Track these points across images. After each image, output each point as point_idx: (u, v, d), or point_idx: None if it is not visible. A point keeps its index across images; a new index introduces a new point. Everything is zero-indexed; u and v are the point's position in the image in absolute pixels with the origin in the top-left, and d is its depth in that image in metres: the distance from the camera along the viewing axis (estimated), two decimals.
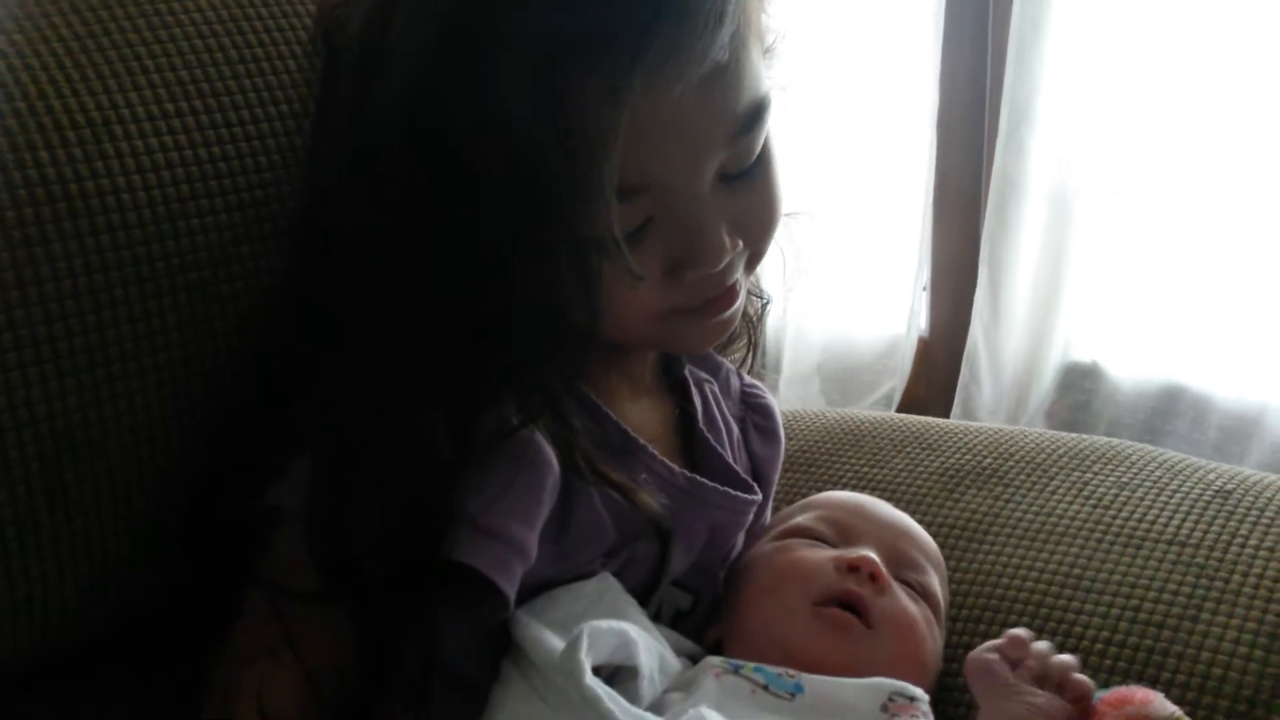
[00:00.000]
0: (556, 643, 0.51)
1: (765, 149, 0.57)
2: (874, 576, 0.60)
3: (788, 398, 1.82)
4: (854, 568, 0.60)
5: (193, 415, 0.59)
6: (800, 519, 0.66)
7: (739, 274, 0.58)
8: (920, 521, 0.71)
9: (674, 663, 0.57)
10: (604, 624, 0.52)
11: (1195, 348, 1.55)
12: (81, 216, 0.56)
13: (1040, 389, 1.63)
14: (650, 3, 0.48)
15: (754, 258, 0.60)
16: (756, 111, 0.54)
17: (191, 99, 0.61)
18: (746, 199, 0.56)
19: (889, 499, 0.72)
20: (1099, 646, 0.63)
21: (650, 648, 0.54)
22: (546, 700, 0.51)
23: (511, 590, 0.52)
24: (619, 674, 0.53)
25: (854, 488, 0.78)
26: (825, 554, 0.62)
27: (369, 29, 0.53)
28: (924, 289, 1.78)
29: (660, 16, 0.48)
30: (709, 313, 0.58)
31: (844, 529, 0.64)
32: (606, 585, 0.57)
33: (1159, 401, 1.57)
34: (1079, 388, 1.64)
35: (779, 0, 0.61)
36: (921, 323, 1.80)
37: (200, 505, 0.58)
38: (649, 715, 0.50)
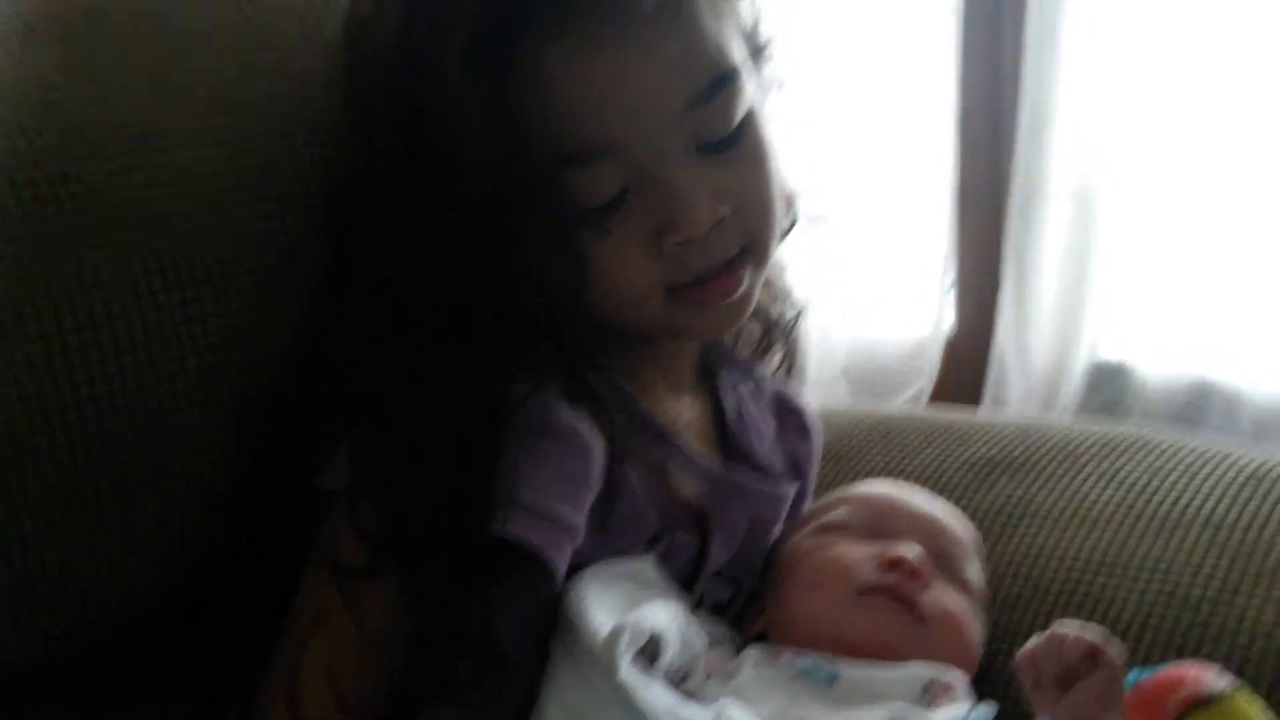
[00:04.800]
0: (602, 621, 0.52)
1: (750, 127, 0.59)
2: (915, 573, 0.60)
3: (814, 401, 1.81)
4: (893, 564, 0.60)
5: (239, 410, 0.61)
6: (837, 514, 0.66)
7: (734, 254, 0.59)
8: None
9: (700, 642, 0.57)
10: (645, 623, 0.52)
11: (1224, 343, 1.55)
12: (121, 227, 0.58)
13: (1069, 387, 1.63)
14: None
15: (755, 248, 0.60)
16: (720, 81, 0.56)
17: (226, 114, 0.62)
18: (730, 172, 0.58)
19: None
20: (1136, 626, 0.63)
21: (677, 633, 0.55)
22: (592, 684, 0.52)
23: (562, 566, 0.54)
24: (646, 648, 0.54)
25: (880, 478, 0.78)
26: (866, 550, 0.62)
27: (366, 25, 0.59)
28: (949, 290, 1.78)
29: None
30: (710, 297, 0.59)
31: (882, 524, 0.64)
32: (647, 563, 0.58)
33: (1190, 398, 1.56)
34: (1108, 386, 1.63)
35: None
36: (947, 324, 1.80)
37: (254, 491, 0.60)
38: (680, 707, 0.51)
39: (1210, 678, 0.52)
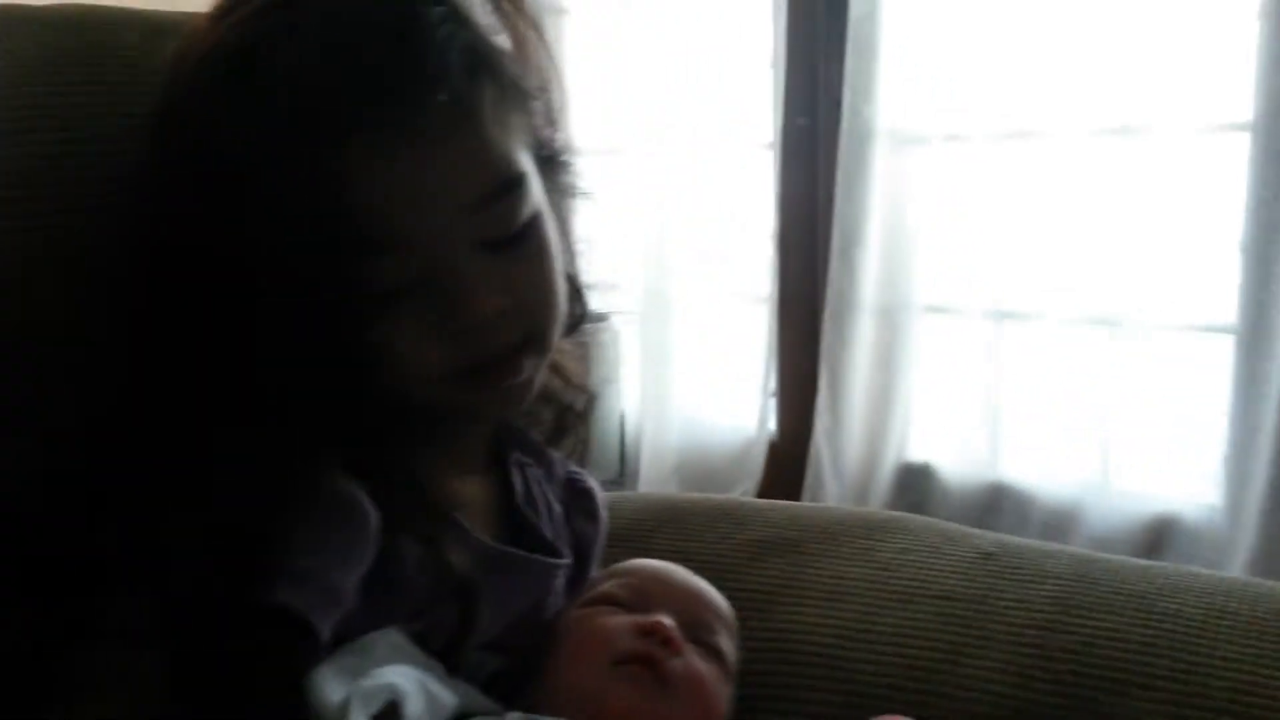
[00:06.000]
0: (334, 690, 0.54)
1: (535, 228, 0.64)
2: (667, 640, 0.65)
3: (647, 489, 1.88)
4: (649, 631, 0.65)
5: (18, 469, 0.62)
6: (604, 586, 0.71)
7: (516, 342, 0.64)
8: (727, 587, 0.76)
9: (448, 702, 0.60)
10: (369, 685, 0.54)
11: (1016, 449, 1.68)
12: None
13: (880, 488, 1.74)
14: (366, 77, 0.57)
15: (536, 338, 0.66)
16: (503, 186, 0.62)
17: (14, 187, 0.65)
18: (513, 268, 0.63)
19: (701, 568, 0.78)
20: (873, 690, 0.69)
21: (418, 694, 0.57)
22: None
23: (326, 634, 0.55)
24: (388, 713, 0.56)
25: (668, 559, 0.83)
26: (624, 619, 0.67)
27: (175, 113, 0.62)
28: (772, 395, 1.88)
29: (378, 89, 0.57)
30: (491, 381, 0.64)
31: (644, 595, 0.69)
32: (389, 635, 0.60)
33: (986, 499, 1.68)
34: (915, 487, 1.75)
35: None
36: (771, 427, 1.89)
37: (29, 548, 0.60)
38: None
39: None
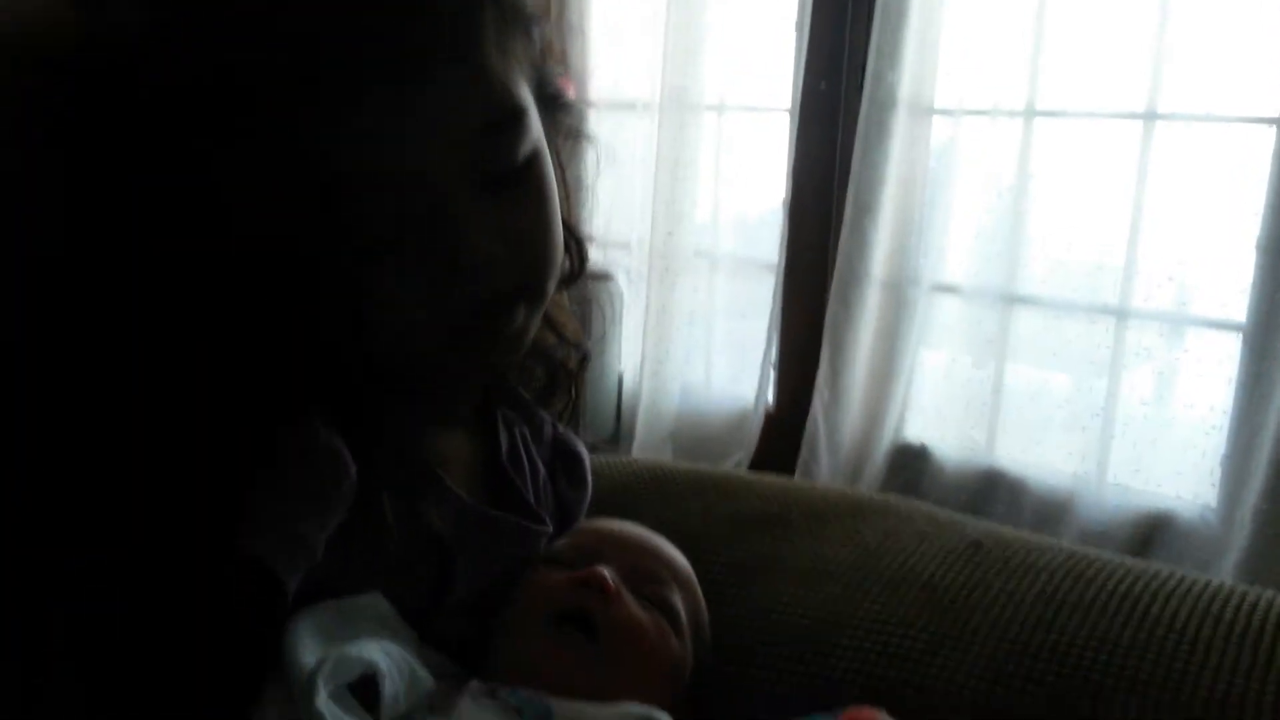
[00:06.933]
0: (308, 654, 0.53)
1: (535, 167, 0.61)
2: (604, 589, 0.63)
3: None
4: (584, 582, 0.64)
5: None
6: (556, 546, 0.70)
7: (509, 290, 0.61)
8: (707, 560, 0.75)
9: (427, 682, 0.58)
10: (353, 652, 0.53)
11: (1013, 436, 1.66)
12: None
13: (873, 467, 1.72)
14: (359, 5, 0.53)
15: (532, 285, 0.62)
16: (505, 117, 0.58)
17: None
18: (512, 211, 0.59)
19: (682, 539, 0.76)
20: (850, 676, 0.68)
21: (399, 672, 0.55)
22: (297, 715, 0.52)
23: (293, 584, 0.54)
24: (366, 689, 0.55)
25: (651, 527, 0.81)
26: (562, 574, 0.66)
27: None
28: (772, 366, 1.85)
29: (372, 16, 0.53)
30: (485, 328, 0.60)
31: (587, 552, 0.68)
32: (374, 601, 0.59)
33: (980, 484, 1.66)
34: (909, 468, 1.73)
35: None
36: (769, 397, 1.87)
37: None
38: None
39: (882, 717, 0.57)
